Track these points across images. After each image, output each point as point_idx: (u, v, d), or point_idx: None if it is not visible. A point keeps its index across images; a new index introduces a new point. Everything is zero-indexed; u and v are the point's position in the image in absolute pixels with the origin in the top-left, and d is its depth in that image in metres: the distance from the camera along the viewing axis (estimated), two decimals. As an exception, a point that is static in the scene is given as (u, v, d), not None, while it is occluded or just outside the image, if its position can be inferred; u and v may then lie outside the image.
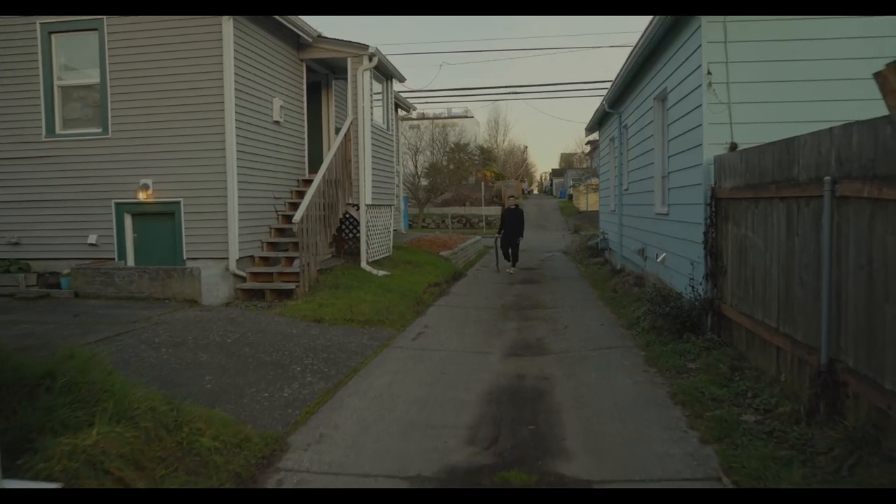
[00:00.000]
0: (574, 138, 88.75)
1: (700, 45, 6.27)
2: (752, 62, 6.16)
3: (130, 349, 5.31)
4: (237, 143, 8.53)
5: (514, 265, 13.57)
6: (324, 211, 9.54)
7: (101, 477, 2.81)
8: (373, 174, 10.80)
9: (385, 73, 11.70)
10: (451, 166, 40.28)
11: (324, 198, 9.67)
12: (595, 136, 31.94)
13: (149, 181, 8.52)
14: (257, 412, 4.38)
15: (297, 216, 8.47)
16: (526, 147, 68.53)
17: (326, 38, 10.54)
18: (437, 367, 5.89)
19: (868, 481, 3.00)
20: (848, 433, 3.41)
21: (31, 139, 8.77)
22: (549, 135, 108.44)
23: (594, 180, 36.99)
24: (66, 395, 3.25)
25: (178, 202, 8.55)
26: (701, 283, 6.25)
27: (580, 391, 5.04)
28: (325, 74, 12.14)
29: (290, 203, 10.03)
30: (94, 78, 8.59)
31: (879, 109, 3.50)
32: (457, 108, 50.48)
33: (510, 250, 13.52)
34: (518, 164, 63.58)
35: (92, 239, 8.62)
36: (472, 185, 41.24)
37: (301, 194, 9.89)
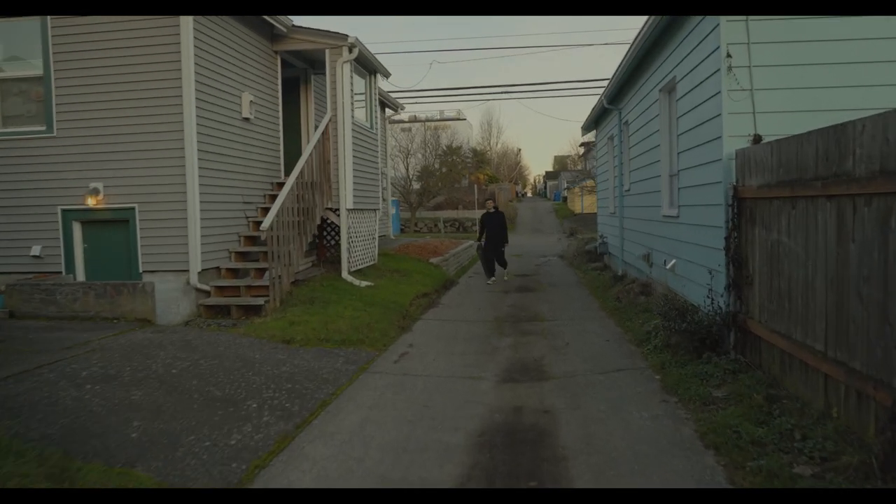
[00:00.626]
0: (568, 139, 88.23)
1: (718, 25, 5.47)
2: (779, 43, 5.37)
3: (46, 387, 4.43)
4: (198, 141, 7.68)
5: (505, 269, 12.52)
6: (298, 216, 8.69)
7: None
8: (354, 176, 9.96)
9: (367, 66, 10.87)
10: (444, 169, 39.48)
11: (299, 202, 8.83)
12: (589, 137, 31.16)
13: (99, 185, 7.64)
14: (191, 470, 3.52)
15: (266, 223, 7.61)
16: (519, 149, 67.89)
17: (301, 27, 9.72)
18: (421, 397, 5.05)
19: None
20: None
21: (-32, 140, 7.90)
22: (542, 137, 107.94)
23: (589, 182, 36.32)
24: None
25: (133, 208, 7.68)
26: (722, 295, 5.44)
27: (589, 430, 4.22)
28: (303, 69, 11.31)
29: (262, 208, 9.18)
30: (36, 69, 7.72)
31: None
32: (448, 109, 49.80)
33: (496, 258, 12.26)
34: (512, 167, 62.90)
35: (36, 250, 7.73)
36: (465, 189, 40.46)
37: (276, 199, 9.05)
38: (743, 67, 5.35)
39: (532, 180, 79.59)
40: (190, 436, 3.95)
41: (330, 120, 9.67)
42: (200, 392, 4.75)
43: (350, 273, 9.84)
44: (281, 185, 9.58)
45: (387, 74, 11.65)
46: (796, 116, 5.18)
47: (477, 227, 13.58)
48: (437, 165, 38.71)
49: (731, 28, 5.39)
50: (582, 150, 48.53)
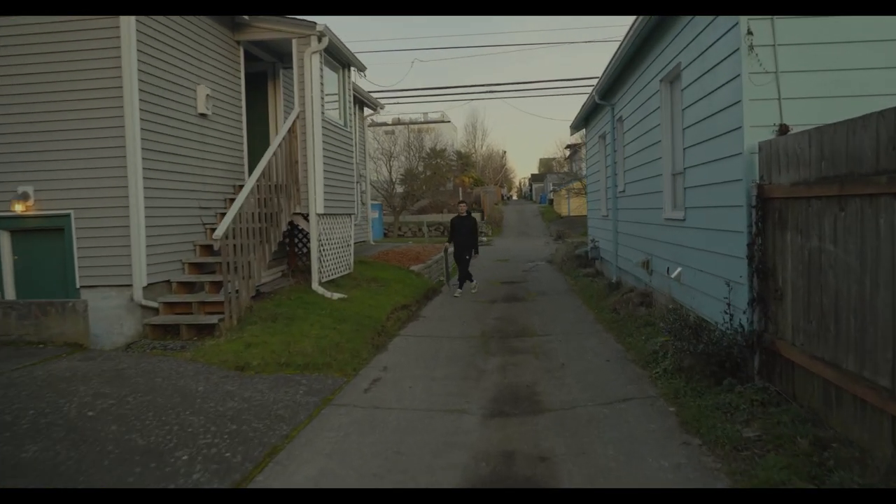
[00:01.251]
0: (554, 141, 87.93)
1: (735, -3, 4.70)
2: (810, 16, 4.61)
3: None
4: (143, 139, 6.78)
5: (470, 281, 11.20)
6: (261, 223, 7.80)
7: None
8: (326, 178, 9.09)
9: (340, 59, 10.01)
10: (428, 172, 38.66)
11: (262, 206, 7.94)
12: (577, 138, 30.55)
13: (29, 189, 6.70)
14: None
15: (220, 230, 6.72)
16: (505, 152, 67.43)
17: (264, 15, 8.83)
18: (392, 440, 4.20)
19: None
20: None
21: None
22: (528, 139, 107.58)
23: (576, 184, 35.71)
24: None
25: (68, 215, 6.74)
26: (744, 312, 4.66)
27: (599, 486, 3.39)
28: (271, 63, 10.43)
29: (222, 214, 8.26)
30: (-48, 58, 6.77)
31: None
32: (432, 111, 49.03)
33: (462, 267, 11.03)
34: (497, 170, 62.28)
35: (-46, 265, 6.77)
36: (450, 192, 39.66)
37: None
38: (766, 46, 4.59)
39: (518, 183, 79.08)
40: (86, 510, 3.06)
41: (298, 116, 8.80)
42: (118, 441, 3.86)
43: (322, 284, 8.96)
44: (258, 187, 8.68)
45: (362, 68, 10.80)
46: (829, 104, 4.45)
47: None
48: (420, 168, 37.90)
49: (750, 1, 4.62)
50: (568, 153, 47.99)
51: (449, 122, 55.71)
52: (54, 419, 4.07)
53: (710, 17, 5.29)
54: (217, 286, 7.22)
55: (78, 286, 6.84)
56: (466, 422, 4.55)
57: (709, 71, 5.37)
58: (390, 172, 35.57)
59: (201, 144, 8.06)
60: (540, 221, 38.42)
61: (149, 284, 6.95)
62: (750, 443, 3.73)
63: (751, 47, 4.58)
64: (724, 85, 5.00)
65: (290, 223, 9.29)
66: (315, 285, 8.86)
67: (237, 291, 7.01)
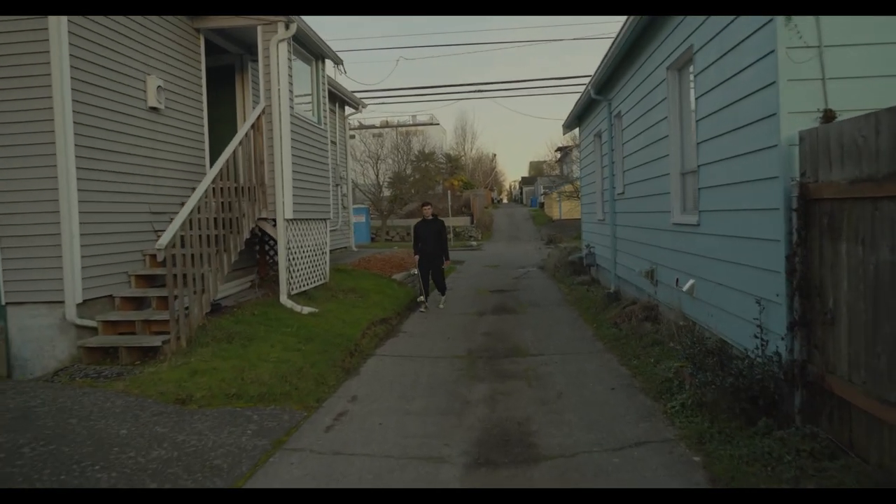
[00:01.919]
0: (545, 143, 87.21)
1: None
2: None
3: None
4: (77, 134, 5.90)
5: (442, 294, 10.01)
6: (218, 229, 6.92)
7: None
8: (295, 179, 8.22)
9: (313, 50, 9.16)
10: (417, 175, 37.80)
11: (221, 211, 7.07)
12: (568, 139, 29.81)
13: (-60, 192, 5.79)
14: None
15: (165, 238, 5.84)
16: (495, 155, 66.63)
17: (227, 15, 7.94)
18: (350, 504, 3.34)
19: None
20: None
21: None
22: (518, 142, 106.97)
23: (568, 187, 35.01)
24: None
25: (-13, 222, 5.83)
26: (782, 337, 3.85)
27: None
28: (238, 55, 9.55)
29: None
30: None
31: None
32: (419, 111, 48.24)
33: (433, 278, 9.88)
34: (487, 173, 61.55)
35: None
36: (439, 195, 38.81)
37: (204, 207, 7.29)
38: (807, 16, 3.79)
39: (508, 186, 78.49)
40: None
41: (263, 111, 7.93)
42: (-12, 518, 2.97)
43: (291, 297, 8.08)
44: (213, 190, 7.77)
45: (338, 61, 9.96)
46: (890, 85, 3.65)
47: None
48: (408, 171, 37.04)
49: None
50: (559, 155, 47.33)
51: (438, 124, 54.93)
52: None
53: (733, -12, 4.49)
54: (165, 302, 6.32)
55: (3, 302, 5.93)
56: (446, 474, 3.70)
57: (732, 49, 4.57)
58: (377, 175, 34.71)
59: (152, 142, 7.16)
60: (531, 225, 37.71)
61: (86, 300, 6.06)
62: (807, 513, 2.91)
63: (788, 17, 3.78)
64: (752, 65, 4.20)
65: (259, 229, 8.41)
66: (283, 298, 7.98)
67: (187, 308, 6.12)
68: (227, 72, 9.64)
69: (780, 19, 3.78)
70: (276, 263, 9.34)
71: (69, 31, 5.78)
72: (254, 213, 7.78)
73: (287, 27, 7.85)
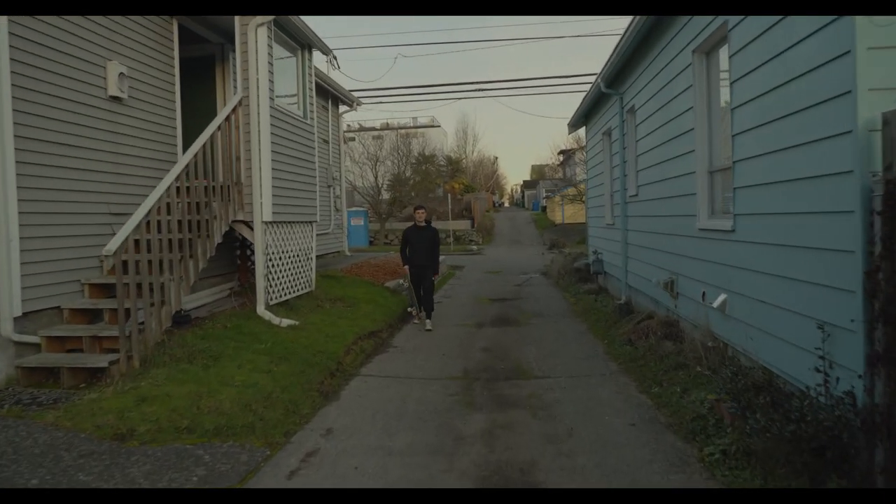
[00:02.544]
0: (547, 145, 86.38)
1: None
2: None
3: None
4: (16, 123, 5.15)
5: (428, 317, 8.47)
6: (182, 233, 6.15)
7: None
8: (276, 178, 7.45)
9: (298, 38, 8.40)
10: (417, 178, 37.05)
11: (190, 213, 6.31)
12: (573, 142, 29.01)
13: None
14: None
15: (113, 243, 5.07)
16: (496, 158, 65.84)
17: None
18: None
19: None
20: None
21: None
22: (520, 145, 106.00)
23: (571, 190, 34.26)
24: None
25: None
26: (860, 375, 3.05)
27: None
28: (219, 45, 8.79)
29: (146, 222, 6.57)
30: None
31: None
32: (418, 109, 47.43)
33: (422, 292, 8.57)
34: (488, 176, 60.80)
35: None
36: (439, 198, 38.06)
37: (168, 207, 6.52)
38: (888, -32, 3.01)
39: (510, 190, 77.72)
40: None
41: (240, 103, 7.17)
42: None
43: (270, 307, 7.30)
44: (178, 189, 7.00)
45: (326, 51, 9.21)
46: None
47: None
48: (408, 174, 36.30)
49: None
50: (561, 158, 46.57)
51: (439, 126, 54.23)
52: None
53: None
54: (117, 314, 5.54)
55: (-71, 316, 5.16)
56: (430, 546, 2.91)
57: (781, 21, 3.78)
58: (376, 178, 33.98)
59: (114, 135, 6.40)
60: (533, 229, 36.94)
61: (28, 313, 5.30)
62: None
63: (866, -30, 3.00)
64: (815, 33, 3.41)
65: (224, 232, 7.64)
66: (261, 309, 7.20)
67: (141, 323, 5.34)
68: (206, 63, 8.90)
69: (854, -27, 3.01)
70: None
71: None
72: (227, 215, 7.01)
73: (267, 9, 7.07)
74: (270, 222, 7.39)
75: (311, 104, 8.92)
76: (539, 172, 62.35)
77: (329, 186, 13.10)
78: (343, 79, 24.21)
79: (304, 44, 8.64)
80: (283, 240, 7.86)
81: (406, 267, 8.68)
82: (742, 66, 4.45)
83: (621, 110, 8.91)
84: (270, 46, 7.35)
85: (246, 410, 4.62)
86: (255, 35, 7.11)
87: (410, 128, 48.83)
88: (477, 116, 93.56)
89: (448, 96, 52.57)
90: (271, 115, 7.33)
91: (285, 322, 7.04)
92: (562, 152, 45.18)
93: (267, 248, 7.35)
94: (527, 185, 65.35)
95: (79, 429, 4.16)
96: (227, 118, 6.98)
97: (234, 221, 7.22)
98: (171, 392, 4.72)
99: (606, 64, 8.67)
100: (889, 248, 2.86)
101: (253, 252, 8.66)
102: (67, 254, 5.79)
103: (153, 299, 5.51)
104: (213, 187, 6.79)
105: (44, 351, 5.35)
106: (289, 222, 8.04)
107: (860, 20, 2.99)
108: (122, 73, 6.40)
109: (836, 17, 3.17)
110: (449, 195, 34.72)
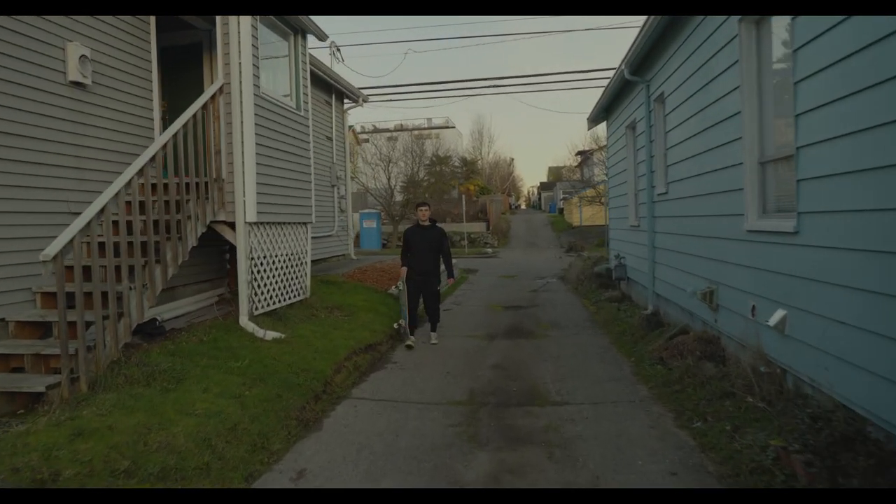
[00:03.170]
0: (565, 146, 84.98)
1: None
2: None
3: None
4: (-56, 106, 4.43)
5: (433, 329, 7.53)
6: (146, 235, 5.40)
7: None
8: (261, 174, 6.71)
9: (290, 22, 7.66)
10: (431, 179, 36.26)
11: (158, 211, 5.57)
12: (591, 142, 27.99)
13: None
14: None
15: (53, 247, 4.33)
16: (512, 159, 64.88)
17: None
18: None
19: None
20: None
21: None
22: (536, 147, 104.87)
23: (589, 191, 33.27)
24: None
25: None
26: None
27: None
28: (206, 31, 8.07)
29: (115, 221, 5.85)
30: None
31: None
32: (430, 107, 46.71)
33: (426, 303, 7.56)
34: (504, 178, 59.84)
35: None
36: (454, 200, 37.23)
37: (141, 205, 5.82)
38: None
39: (526, 192, 76.67)
40: None
41: (220, 90, 6.44)
42: None
43: (254, 317, 6.54)
44: (154, 186, 6.26)
45: (322, 37, 8.45)
46: None
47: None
48: (422, 175, 35.54)
49: None
50: (579, 159, 45.51)
51: (454, 127, 53.45)
52: None
53: None
54: (75, 328, 4.81)
55: None
56: None
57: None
58: (389, 179, 33.27)
59: (75, 125, 5.70)
60: (550, 232, 35.95)
61: (-37, 327, 4.58)
62: None
63: None
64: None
65: (199, 234, 6.90)
66: (244, 320, 6.45)
67: (92, 341, 4.60)
68: (193, 51, 8.19)
69: None
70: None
71: (-66, -31, 4.33)
72: (205, 215, 6.26)
73: (251, -15, 6.33)
74: (255, 223, 6.64)
75: (306, 94, 8.17)
76: (556, 174, 61.26)
77: (332, 186, 12.37)
78: (351, 75, 23.43)
79: (298, 28, 7.90)
80: (271, 243, 7.10)
81: (404, 269, 7.52)
82: (808, 29, 3.57)
83: (648, 99, 8.02)
84: (255, 28, 6.61)
85: (203, 447, 3.85)
86: (237, 16, 6.37)
87: (425, 129, 48.13)
88: (492, 118, 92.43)
89: (461, 93, 51.54)
90: (257, 105, 6.59)
91: (270, 335, 6.27)
92: (580, 153, 44.13)
93: (251, 251, 6.59)
94: (544, 186, 64.28)
95: (-9, 473, 3.41)
96: (205, 106, 6.25)
97: (213, 222, 6.48)
98: (116, 424, 3.95)
99: (631, 48, 7.79)
100: None
101: (242, 256, 7.95)
102: (16, 258, 5.08)
103: (107, 311, 4.76)
104: (188, 184, 6.05)
105: (-19, 371, 4.63)
106: (278, 223, 7.29)
107: None
108: (84, 55, 5.70)
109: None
110: (464, 197, 33.87)
